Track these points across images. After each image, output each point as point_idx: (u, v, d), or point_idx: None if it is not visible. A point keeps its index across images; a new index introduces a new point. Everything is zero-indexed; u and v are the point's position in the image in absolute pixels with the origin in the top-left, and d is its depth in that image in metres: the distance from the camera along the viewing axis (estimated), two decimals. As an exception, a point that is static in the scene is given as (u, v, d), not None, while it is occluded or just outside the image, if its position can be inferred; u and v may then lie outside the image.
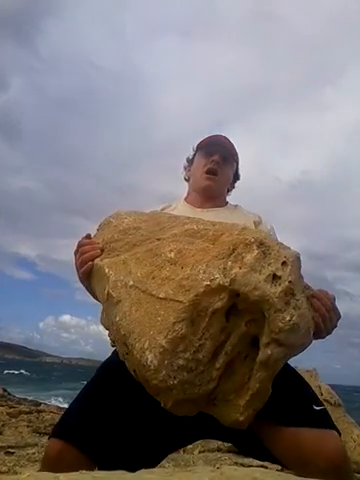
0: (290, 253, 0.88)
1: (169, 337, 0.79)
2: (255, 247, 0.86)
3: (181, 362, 0.79)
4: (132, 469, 1.00)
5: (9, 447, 3.23)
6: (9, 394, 8.64)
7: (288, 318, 0.81)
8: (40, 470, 0.95)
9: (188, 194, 1.38)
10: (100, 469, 0.95)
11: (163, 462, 3.10)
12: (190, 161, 1.39)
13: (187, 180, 1.38)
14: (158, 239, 0.98)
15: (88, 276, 1.05)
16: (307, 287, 0.93)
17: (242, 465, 2.80)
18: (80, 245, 1.08)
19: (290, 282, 0.83)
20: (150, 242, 0.99)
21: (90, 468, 0.94)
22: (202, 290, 0.82)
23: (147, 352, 0.80)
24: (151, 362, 0.79)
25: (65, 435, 0.97)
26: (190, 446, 4.30)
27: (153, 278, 0.90)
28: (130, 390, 0.98)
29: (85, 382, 1.13)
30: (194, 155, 1.37)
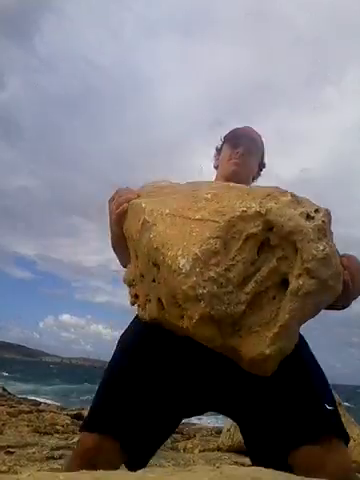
0: (321, 207, 0.89)
1: (203, 248, 0.78)
2: (289, 195, 0.88)
3: (212, 274, 0.77)
4: (152, 443, 0.99)
5: (9, 447, 3.20)
6: (9, 394, 8.64)
7: (321, 247, 0.80)
8: (75, 464, 0.93)
9: (215, 180, 1.40)
10: (124, 448, 0.95)
11: (163, 462, 3.10)
12: (218, 150, 1.46)
13: (216, 168, 1.45)
14: (194, 190, 0.99)
15: (122, 218, 1.05)
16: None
17: (242, 465, 2.80)
18: (117, 191, 1.11)
19: (323, 222, 0.83)
20: (186, 192, 1.00)
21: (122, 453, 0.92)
22: (238, 214, 0.82)
23: (180, 258, 0.79)
24: (183, 266, 0.78)
25: (100, 427, 0.96)
26: (190, 445, 4.30)
27: (189, 209, 0.89)
28: (153, 364, 0.98)
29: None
30: (222, 145, 1.45)
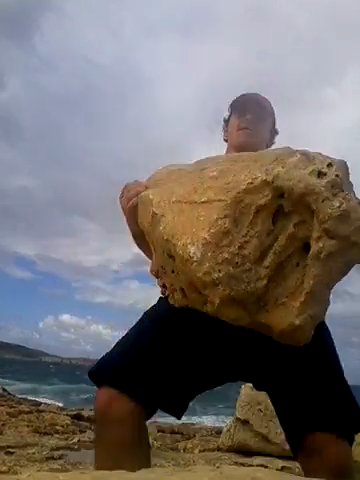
0: (336, 159, 0.87)
1: (212, 231, 0.80)
2: (298, 154, 0.86)
3: (225, 255, 0.78)
4: (172, 406, 1.06)
5: (9, 447, 3.26)
6: (9, 394, 8.65)
7: (337, 204, 0.79)
8: (95, 428, 1.02)
9: (226, 153, 1.42)
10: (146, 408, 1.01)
11: (163, 462, 3.13)
12: (226, 121, 1.41)
13: (226, 141, 1.40)
14: (201, 169, 1.00)
15: (135, 212, 1.10)
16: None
17: (242, 465, 2.81)
18: (126, 186, 1.16)
19: (337, 175, 0.82)
20: (193, 173, 1.01)
21: (138, 413, 0.99)
22: (244, 187, 0.82)
23: (189, 246, 0.81)
24: (194, 254, 0.79)
25: (116, 383, 1.01)
26: (190, 445, 4.31)
27: (195, 192, 0.91)
28: (184, 334, 1.05)
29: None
30: (229, 115, 1.40)
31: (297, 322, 0.79)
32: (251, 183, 0.81)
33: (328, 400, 1.00)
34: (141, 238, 1.10)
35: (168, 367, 1.03)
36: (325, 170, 0.83)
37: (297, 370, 1.02)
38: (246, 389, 3.53)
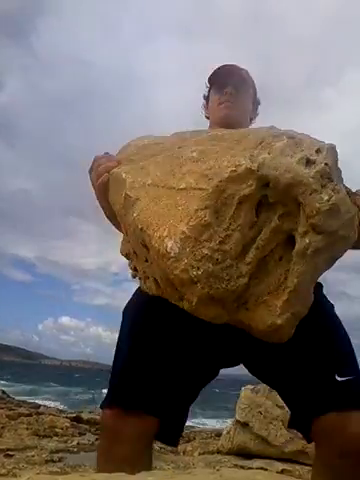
0: (324, 144, 0.83)
1: (191, 224, 0.74)
2: (285, 137, 0.81)
3: (205, 251, 0.72)
4: (177, 410, 1.02)
5: (8, 450, 3.26)
6: (8, 396, 8.65)
7: (326, 197, 0.75)
8: (102, 444, 1.01)
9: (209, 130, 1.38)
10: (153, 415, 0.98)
11: (163, 464, 3.12)
12: (206, 98, 1.35)
13: (208, 118, 1.34)
14: (179, 147, 0.93)
15: (105, 190, 1.02)
16: (347, 188, 0.87)
17: (242, 467, 2.80)
18: (95, 160, 1.07)
19: (326, 164, 0.78)
20: (171, 151, 0.94)
21: (152, 423, 0.97)
22: (227, 175, 0.76)
23: (166, 239, 0.75)
24: (171, 249, 0.73)
25: (123, 403, 0.98)
26: (190, 448, 4.31)
27: (173, 175, 0.85)
28: (165, 327, 1.00)
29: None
30: (208, 91, 1.34)
31: (279, 322, 0.75)
32: (234, 171, 0.76)
33: (327, 380, 0.93)
34: (113, 217, 1.03)
35: (159, 369, 0.99)
36: (314, 157, 0.78)
37: (292, 351, 0.95)
38: (246, 392, 3.52)
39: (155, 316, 0.99)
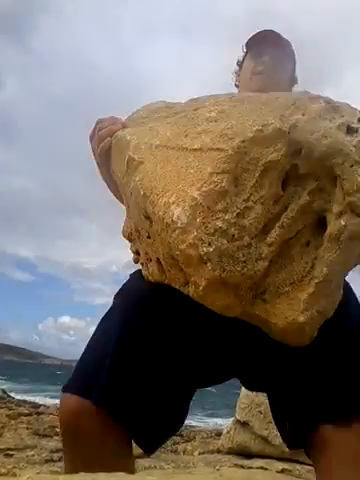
0: None
1: (204, 189, 0.61)
2: (322, 101, 0.70)
3: (219, 224, 0.60)
4: (164, 429, 0.86)
5: (8, 449, 3.27)
6: (8, 396, 8.67)
7: None
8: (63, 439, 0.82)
9: None
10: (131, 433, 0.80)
11: (163, 464, 3.13)
12: (240, 64, 1.21)
13: (237, 86, 1.21)
14: (196, 109, 0.81)
15: (107, 157, 0.89)
16: None
17: (242, 467, 2.81)
18: (98, 122, 0.93)
19: None
20: (185, 113, 0.82)
21: (121, 436, 0.79)
22: (251, 135, 0.64)
23: (173, 206, 0.62)
24: (178, 218, 0.61)
25: (98, 398, 0.78)
26: (190, 448, 4.32)
27: (186, 135, 0.73)
28: (168, 323, 0.82)
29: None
30: (244, 57, 1.20)
31: (302, 319, 0.62)
32: (261, 130, 0.64)
33: (341, 381, 0.78)
34: (118, 192, 0.90)
35: (149, 369, 0.81)
36: (356, 125, 0.67)
37: (302, 363, 0.78)
38: (246, 391, 3.52)
39: (153, 309, 0.82)
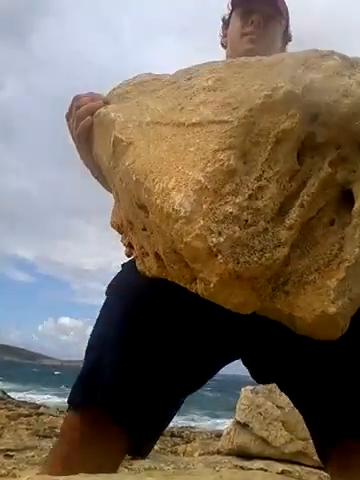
0: None
1: (208, 170, 0.53)
2: (337, 57, 0.62)
3: (229, 209, 0.52)
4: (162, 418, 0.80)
5: (8, 450, 3.26)
6: (8, 396, 8.67)
7: None
8: (58, 450, 0.77)
9: None
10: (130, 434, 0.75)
11: (163, 465, 3.13)
12: (226, 22, 1.09)
13: (224, 46, 1.10)
14: (189, 78, 0.71)
15: (88, 139, 0.78)
16: None
17: (242, 468, 2.81)
18: (75, 98, 0.82)
19: None
20: (177, 83, 0.73)
21: (121, 440, 0.74)
22: (259, 102, 0.55)
23: (173, 193, 0.54)
24: (180, 206, 0.52)
25: (101, 401, 0.72)
26: (190, 449, 4.32)
27: (181, 109, 0.64)
28: (168, 320, 0.74)
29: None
30: (229, 14, 1.08)
31: (333, 310, 0.53)
32: (269, 96, 0.55)
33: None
34: (103, 177, 0.80)
35: (157, 369, 0.74)
36: None
37: (325, 356, 0.68)
38: (246, 392, 3.53)
39: (154, 306, 0.75)
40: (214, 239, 0.51)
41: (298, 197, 0.57)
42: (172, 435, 5.43)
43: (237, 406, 3.61)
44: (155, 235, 0.60)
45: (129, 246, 0.75)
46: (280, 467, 2.91)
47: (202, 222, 0.51)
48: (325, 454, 0.73)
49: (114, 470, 0.76)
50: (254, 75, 0.62)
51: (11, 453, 3.24)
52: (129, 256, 0.77)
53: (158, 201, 0.55)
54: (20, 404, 7.64)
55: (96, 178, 0.86)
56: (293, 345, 0.66)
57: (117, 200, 0.75)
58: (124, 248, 0.77)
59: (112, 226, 0.79)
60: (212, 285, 0.53)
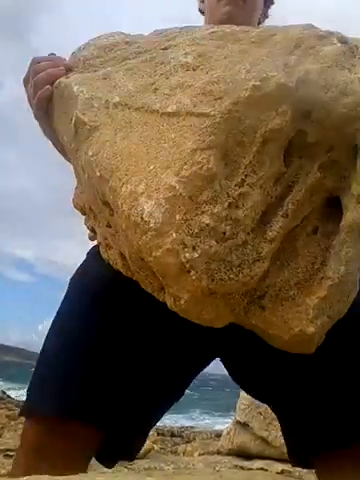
0: None
1: (184, 173, 0.46)
2: (336, 40, 0.54)
3: (206, 220, 0.46)
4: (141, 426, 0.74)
5: (8, 450, 3.25)
6: (8, 396, 8.67)
7: None
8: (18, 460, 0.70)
9: None
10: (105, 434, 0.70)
11: (163, 465, 3.12)
12: None
13: (202, 12, 1.02)
14: (164, 48, 0.63)
15: (46, 110, 0.70)
16: None
17: (242, 468, 2.81)
18: (34, 62, 0.71)
19: None
20: (151, 53, 0.64)
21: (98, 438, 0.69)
22: (247, 94, 0.48)
23: (142, 199, 0.47)
24: (150, 216, 0.46)
25: (80, 411, 0.66)
26: (190, 449, 4.32)
27: (155, 90, 0.56)
28: (135, 320, 0.68)
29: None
30: None
31: (311, 330, 0.50)
32: (259, 87, 0.48)
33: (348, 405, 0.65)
34: (63, 150, 0.72)
35: (123, 371, 0.68)
36: None
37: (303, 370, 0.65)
38: (246, 392, 3.53)
39: (126, 299, 0.67)
40: (187, 254, 0.45)
41: (282, 205, 0.51)
42: (172, 435, 5.44)
43: (237, 406, 3.61)
44: (121, 236, 0.54)
45: (93, 231, 0.67)
46: (280, 467, 2.91)
47: (175, 235, 0.45)
48: (306, 460, 0.70)
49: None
50: (240, 53, 0.55)
51: (11, 453, 3.23)
52: (92, 240, 0.70)
53: (124, 207, 0.48)
54: (20, 404, 7.63)
55: (59, 151, 0.77)
56: (272, 350, 0.60)
57: (79, 183, 0.67)
58: (87, 231, 0.70)
59: (74, 206, 0.70)
60: (182, 302, 0.48)
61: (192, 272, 0.46)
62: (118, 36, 0.73)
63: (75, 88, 0.62)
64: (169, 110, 0.51)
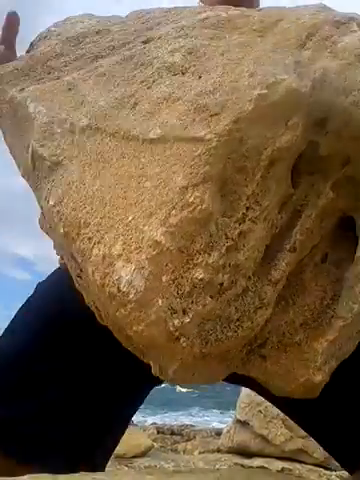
0: None
1: (172, 221, 0.36)
2: (356, 27, 0.43)
3: (199, 275, 0.36)
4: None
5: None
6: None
7: None
8: None
9: None
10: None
11: (163, 463, 3.13)
12: None
13: None
14: (145, 42, 0.50)
15: None
16: None
17: (242, 466, 2.82)
18: None
19: None
20: (128, 49, 0.51)
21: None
22: (250, 108, 0.37)
23: (119, 263, 0.37)
24: (129, 285, 0.36)
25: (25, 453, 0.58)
26: (190, 447, 4.33)
27: (134, 105, 0.44)
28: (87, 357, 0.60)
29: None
30: None
31: (318, 378, 0.42)
32: (265, 96, 0.37)
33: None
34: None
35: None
36: None
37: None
38: (246, 390, 3.52)
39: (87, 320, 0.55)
40: (176, 321, 0.36)
41: (289, 236, 0.42)
42: (172, 433, 5.45)
43: (237, 404, 3.61)
44: (93, 295, 0.43)
45: (62, 259, 0.54)
46: (280, 465, 2.91)
47: (160, 302, 0.36)
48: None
49: None
50: (240, 47, 0.43)
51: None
52: (63, 266, 0.56)
53: (97, 275, 0.38)
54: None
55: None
56: None
57: (43, 217, 0.53)
58: (58, 258, 0.58)
59: (41, 228, 0.56)
60: (171, 372, 0.39)
61: (182, 339, 0.37)
62: (88, 22, 0.59)
63: (31, 107, 0.49)
64: (152, 136, 0.40)
